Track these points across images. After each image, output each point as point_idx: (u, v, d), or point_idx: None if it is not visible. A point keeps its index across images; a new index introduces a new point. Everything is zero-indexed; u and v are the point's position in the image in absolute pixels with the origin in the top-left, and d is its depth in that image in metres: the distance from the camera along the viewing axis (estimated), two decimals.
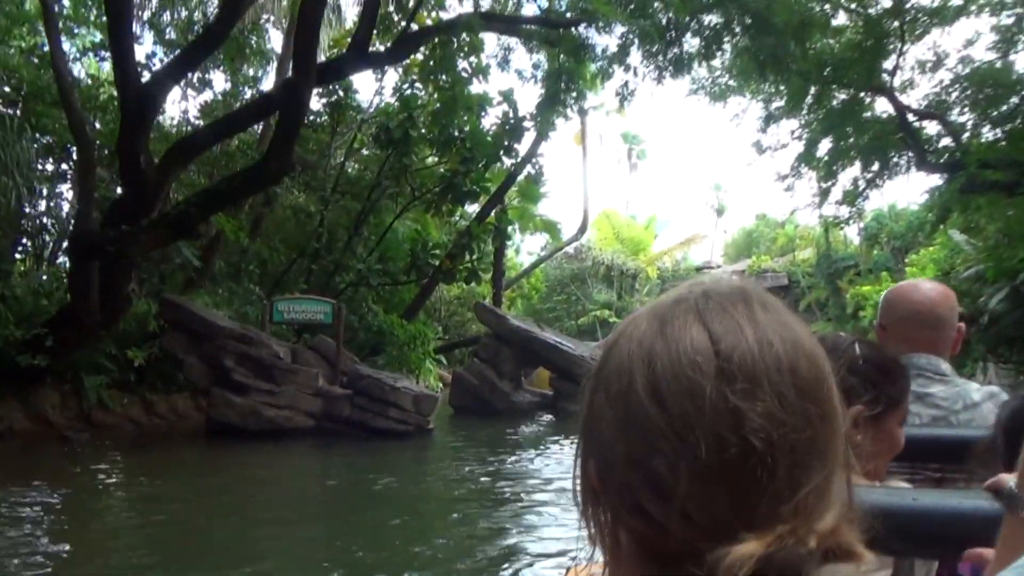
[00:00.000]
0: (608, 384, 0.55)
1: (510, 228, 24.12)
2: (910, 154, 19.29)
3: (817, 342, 0.55)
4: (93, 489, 8.98)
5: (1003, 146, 15.78)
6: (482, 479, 10.42)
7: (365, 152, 19.76)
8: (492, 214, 19.11)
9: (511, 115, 16.87)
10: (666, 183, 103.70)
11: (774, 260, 38.16)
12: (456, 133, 16.56)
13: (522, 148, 19.15)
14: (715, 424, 0.49)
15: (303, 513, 8.35)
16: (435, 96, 17.53)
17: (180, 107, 18.04)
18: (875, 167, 20.53)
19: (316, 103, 19.01)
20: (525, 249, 35.00)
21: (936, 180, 20.12)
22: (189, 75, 17.90)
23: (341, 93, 18.46)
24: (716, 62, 19.62)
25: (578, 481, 0.60)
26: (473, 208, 20.53)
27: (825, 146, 20.71)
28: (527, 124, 17.68)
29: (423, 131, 17.09)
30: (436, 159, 17.64)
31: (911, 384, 1.44)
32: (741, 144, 59.68)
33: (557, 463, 11.28)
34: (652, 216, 37.10)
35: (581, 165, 29.14)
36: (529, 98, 52.99)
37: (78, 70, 16.94)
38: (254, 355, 12.28)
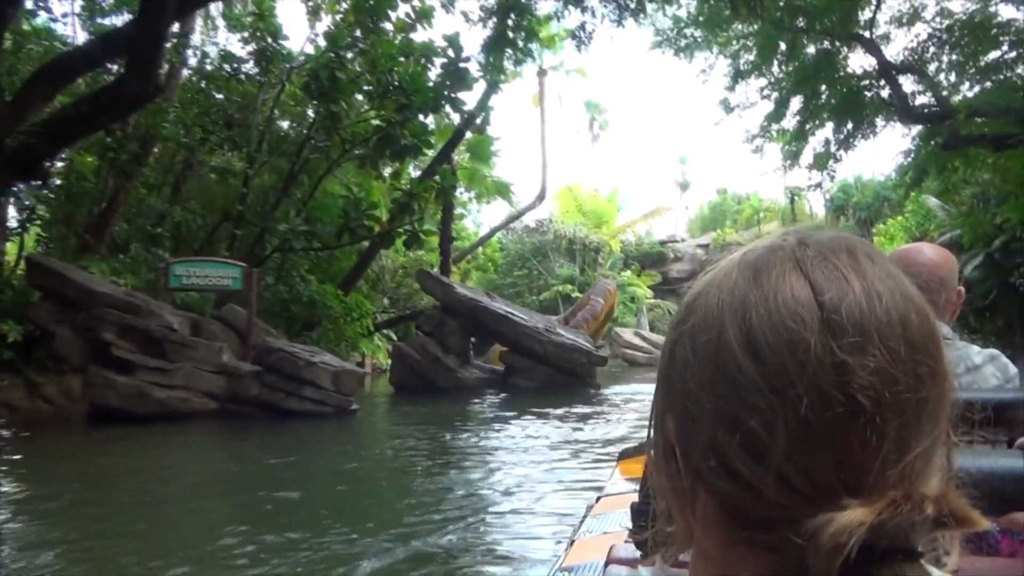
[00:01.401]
0: (694, 335, 0.50)
1: (460, 192, 22.20)
2: (887, 110, 17.72)
3: (923, 298, 0.49)
4: None
5: (994, 93, 14.23)
6: (396, 462, 8.63)
7: (297, 107, 17.51)
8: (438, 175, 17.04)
9: (456, 60, 14.79)
10: (629, 155, 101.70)
11: (739, 233, 36.71)
12: (394, 79, 14.45)
13: (471, 102, 17.19)
14: (819, 380, 0.44)
15: (155, 505, 6.38)
16: (370, 42, 15.41)
17: None
18: (849, 126, 18.98)
19: (240, 50, 16.79)
20: (486, 223, 33.09)
21: (909, 144, 18.69)
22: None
23: (269, 40, 16.24)
24: (683, 11, 17.92)
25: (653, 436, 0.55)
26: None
27: (796, 105, 19.16)
28: (476, 73, 15.64)
29: (357, 79, 14.94)
30: (372, 110, 15.50)
31: None
32: (706, 115, 58.36)
33: (495, 441, 9.48)
34: (615, 189, 35.40)
35: (539, 129, 27.10)
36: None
37: None
38: (140, 327, 10.16)
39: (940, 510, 0.43)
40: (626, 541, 2.13)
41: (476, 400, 14.58)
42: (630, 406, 14.04)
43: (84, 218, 14.49)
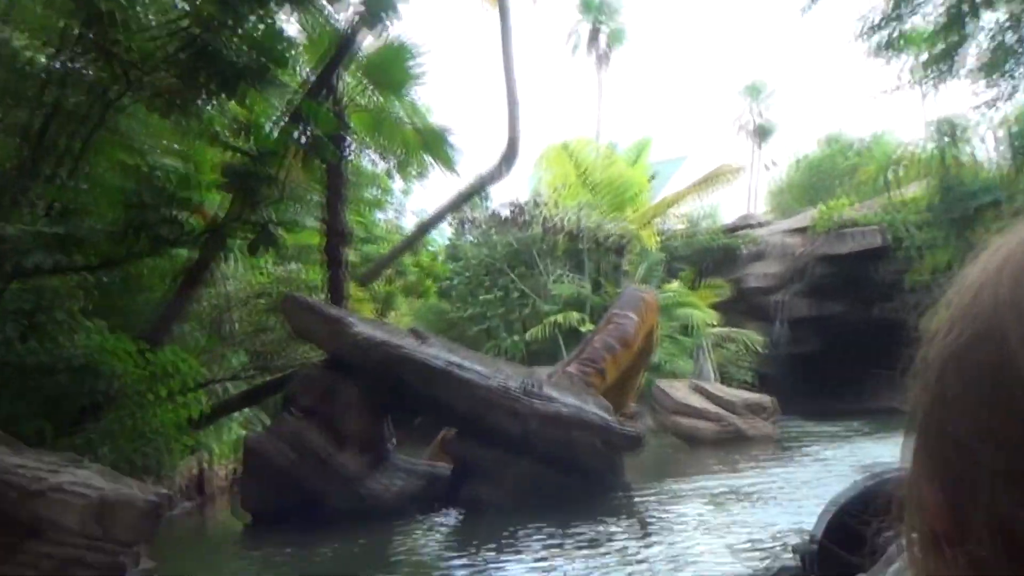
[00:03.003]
0: (964, 356, 0.54)
1: (373, 161, 20.77)
2: None
3: None
4: None
5: None
6: None
7: (53, 19, 16.06)
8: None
9: None
10: (662, 85, 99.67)
11: (856, 206, 35.58)
12: None
13: None
14: None
15: None
16: None
17: None
18: None
19: None
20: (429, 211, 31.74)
21: None
22: None
23: None
24: None
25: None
26: None
27: None
28: None
29: None
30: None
31: None
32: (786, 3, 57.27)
33: None
34: (645, 140, 34.01)
35: (500, 40, 25.54)
36: None
37: None
38: None
39: None
40: None
41: (397, 535, 13.15)
42: (696, 525, 12.97)
43: None
